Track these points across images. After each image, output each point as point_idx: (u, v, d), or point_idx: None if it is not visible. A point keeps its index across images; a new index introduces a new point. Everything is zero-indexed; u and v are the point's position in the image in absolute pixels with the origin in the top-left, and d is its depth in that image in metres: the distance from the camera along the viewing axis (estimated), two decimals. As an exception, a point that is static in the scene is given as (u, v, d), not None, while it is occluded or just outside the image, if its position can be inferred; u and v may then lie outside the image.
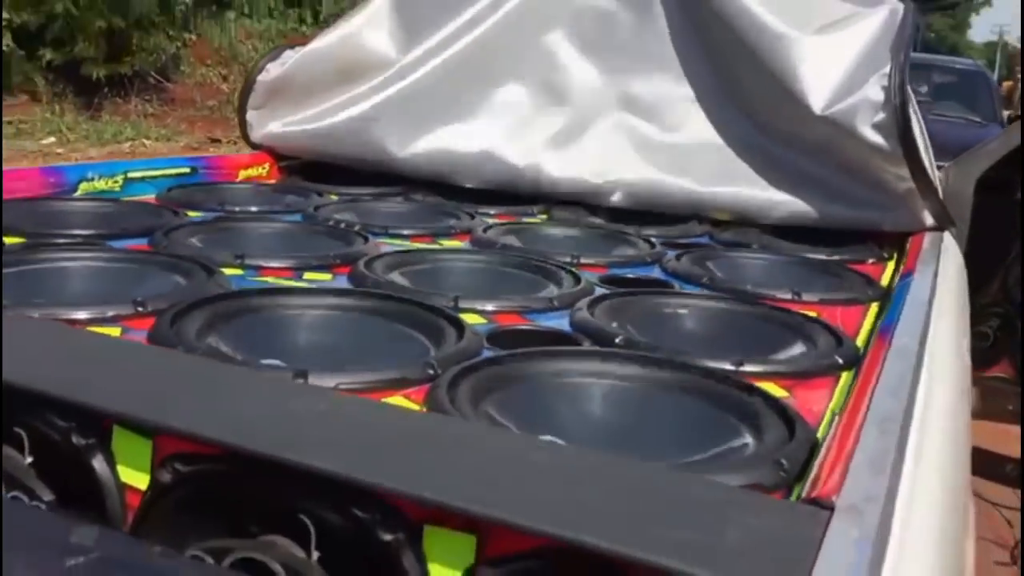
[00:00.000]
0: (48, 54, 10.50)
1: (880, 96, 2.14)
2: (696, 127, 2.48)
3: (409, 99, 2.57)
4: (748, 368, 1.19)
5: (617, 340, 1.27)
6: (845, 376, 1.25)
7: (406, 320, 1.29)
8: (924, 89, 8.83)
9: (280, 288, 1.38)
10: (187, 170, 2.31)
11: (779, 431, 0.99)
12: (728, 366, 1.18)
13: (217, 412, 0.82)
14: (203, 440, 0.77)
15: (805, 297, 1.64)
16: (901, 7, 2.33)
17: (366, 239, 1.80)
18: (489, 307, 1.40)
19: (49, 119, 9.95)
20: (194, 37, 12.75)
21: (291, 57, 2.62)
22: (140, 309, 1.22)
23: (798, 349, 1.35)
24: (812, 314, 1.50)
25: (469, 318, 1.34)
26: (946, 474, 0.96)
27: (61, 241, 1.54)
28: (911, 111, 2.17)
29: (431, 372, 1.09)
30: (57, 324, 1.10)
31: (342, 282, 1.51)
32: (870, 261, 2.09)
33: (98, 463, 0.84)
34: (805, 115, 2.24)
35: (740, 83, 2.45)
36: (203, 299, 1.24)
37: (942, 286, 1.70)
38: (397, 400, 1.02)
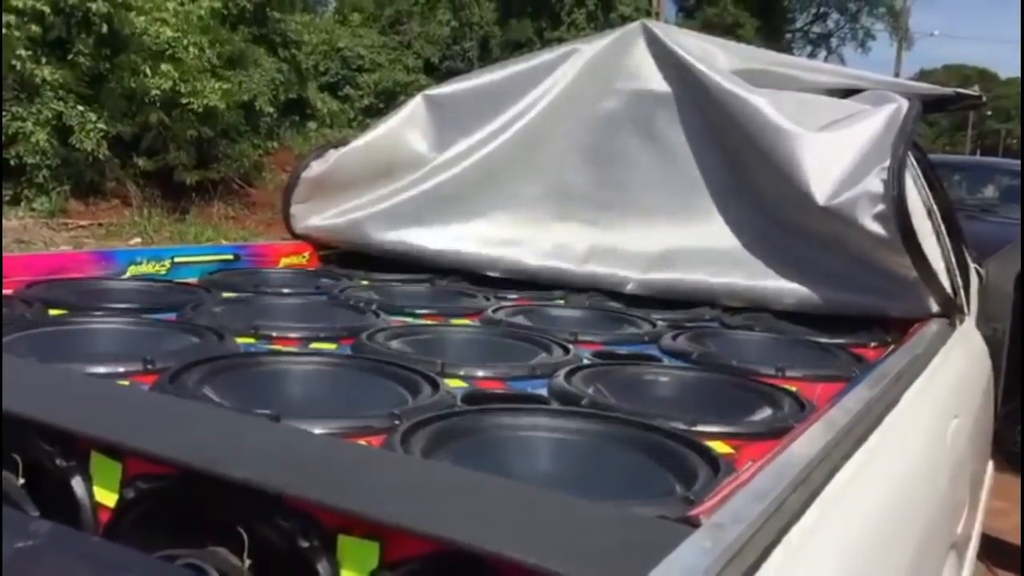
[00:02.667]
0: (141, 162, 11.26)
1: (879, 188, 2.21)
2: (711, 221, 2.59)
3: (439, 196, 2.75)
4: (701, 428, 1.26)
5: (583, 402, 1.35)
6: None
7: (390, 379, 1.41)
8: (991, 192, 8.76)
9: (279, 351, 1.51)
10: (231, 257, 2.51)
11: (705, 477, 1.06)
12: (681, 425, 1.26)
13: (175, 437, 0.94)
14: (156, 459, 0.89)
15: (788, 373, 1.70)
16: (906, 104, 2.43)
17: (377, 315, 1.93)
18: (473, 372, 1.51)
19: (137, 221, 10.59)
20: (277, 145, 13.53)
21: (334, 155, 2.84)
22: (149, 367, 1.37)
23: (760, 415, 1.42)
24: (792, 388, 1.56)
25: (452, 382, 1.44)
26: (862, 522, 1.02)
27: (97, 312, 1.72)
28: (923, 202, 2.25)
29: (396, 422, 1.19)
30: (64, 370, 1.24)
31: (345, 351, 1.63)
32: (872, 345, 2.13)
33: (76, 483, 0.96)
34: (811, 207, 2.33)
35: (753, 179, 2.56)
36: (205, 359, 1.38)
37: (937, 369, 1.73)
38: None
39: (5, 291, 1.85)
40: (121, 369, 1.35)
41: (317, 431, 1.13)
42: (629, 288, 2.55)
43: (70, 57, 10.52)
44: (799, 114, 2.44)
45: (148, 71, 11.06)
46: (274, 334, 1.68)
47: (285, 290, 2.24)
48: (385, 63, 18.32)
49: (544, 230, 2.65)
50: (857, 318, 2.33)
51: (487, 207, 2.71)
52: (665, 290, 2.53)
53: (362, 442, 1.14)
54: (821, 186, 2.30)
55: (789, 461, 0.97)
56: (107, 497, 0.96)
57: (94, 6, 10.29)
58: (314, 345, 1.67)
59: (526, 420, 1.22)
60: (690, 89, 2.61)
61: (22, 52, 9.94)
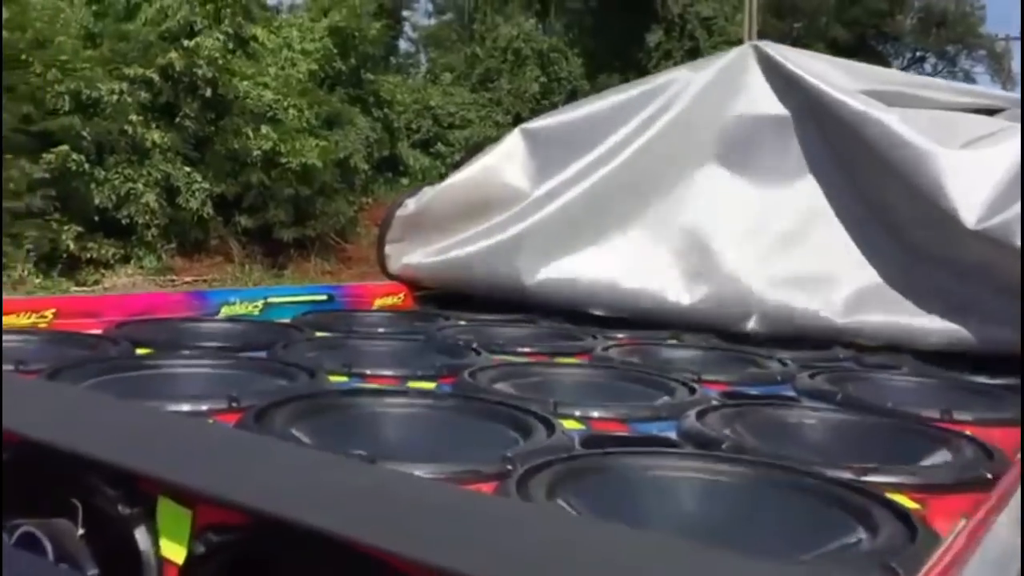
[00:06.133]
0: (243, 220, 11.56)
1: (1037, 209, 1.96)
2: (838, 251, 2.35)
3: (541, 231, 2.60)
4: (875, 478, 1.05)
5: (724, 446, 1.15)
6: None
7: (498, 420, 1.24)
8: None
9: (374, 389, 1.36)
10: (324, 297, 2.41)
11: (897, 538, 0.85)
12: (848, 474, 1.05)
13: (254, 480, 0.79)
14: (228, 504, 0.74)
15: (957, 416, 1.46)
16: (1053, 123, 2.17)
17: (479, 353, 1.78)
18: (589, 413, 1.33)
19: (239, 277, 10.84)
20: (371, 201, 13.73)
21: (429, 193, 2.73)
22: (234, 404, 1.23)
23: (940, 463, 1.19)
24: (967, 433, 1.33)
25: (567, 423, 1.27)
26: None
27: (184, 352, 1.61)
28: None
29: (508, 467, 1.02)
30: (132, 405, 1.12)
31: (446, 391, 1.48)
32: (1041, 385, 1.85)
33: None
34: (957, 232, 2.08)
35: (885, 204, 2.32)
36: (294, 396, 1.24)
37: None
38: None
39: (95, 331, 1.77)
40: (204, 408, 1.22)
41: (418, 474, 0.97)
42: (750, 326, 2.32)
43: (177, 120, 10.95)
44: (937, 132, 2.21)
45: (250, 133, 11.42)
46: (368, 372, 1.54)
47: (380, 330, 2.11)
48: (475, 119, 18.55)
49: (655, 263, 2.46)
50: (1010, 356, 2.05)
51: (591, 240, 2.54)
52: (789, 327, 2.29)
53: (471, 488, 0.97)
54: (969, 208, 2.06)
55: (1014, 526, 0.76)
56: (174, 551, 0.81)
57: (200, 71, 10.71)
58: (412, 384, 1.52)
59: (661, 464, 1.02)
60: (811, 110, 2.41)
61: (133, 117, 10.39)
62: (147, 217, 10.40)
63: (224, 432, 1.03)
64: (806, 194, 2.40)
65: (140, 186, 10.36)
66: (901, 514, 0.88)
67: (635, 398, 1.50)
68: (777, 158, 2.45)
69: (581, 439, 1.19)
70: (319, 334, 2.00)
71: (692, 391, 1.51)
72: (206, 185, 10.92)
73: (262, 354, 1.68)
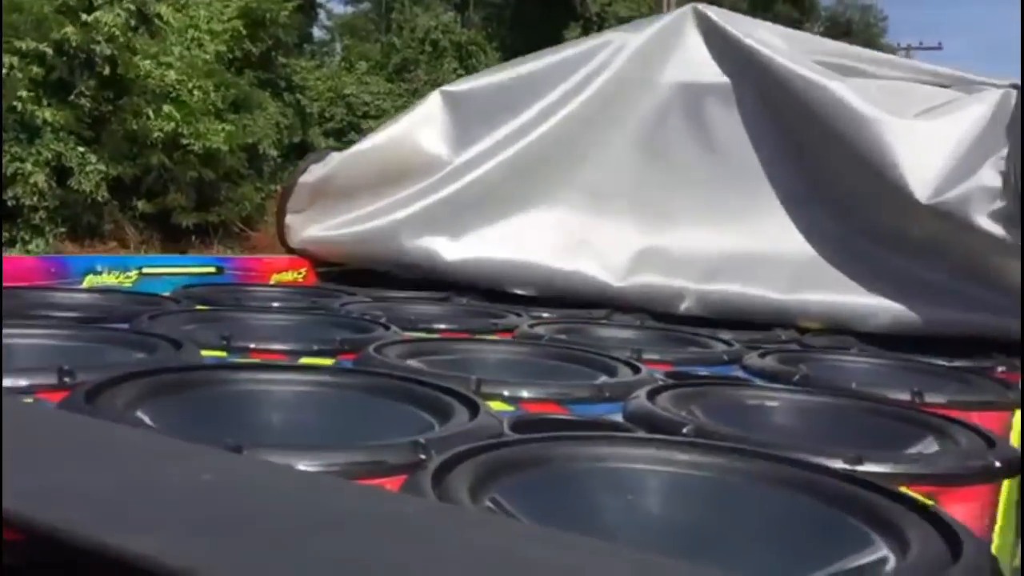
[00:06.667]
0: (141, 204, 10.95)
1: (997, 181, 1.82)
2: (778, 229, 2.19)
3: (460, 202, 2.36)
4: (869, 467, 0.85)
5: (685, 430, 0.94)
6: (1008, 484, 0.89)
7: (408, 401, 1.00)
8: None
9: (253, 364, 1.10)
10: (212, 269, 2.11)
11: (932, 548, 0.64)
12: (840, 463, 0.85)
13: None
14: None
15: (928, 398, 1.29)
16: (1014, 93, 2.04)
17: (387, 328, 1.53)
18: (518, 393, 1.10)
19: (135, 265, 10.26)
20: (280, 188, 13.23)
21: (336, 158, 2.46)
22: (66, 380, 0.96)
23: (939, 450, 1.00)
24: (954, 417, 1.15)
25: (494, 405, 1.04)
26: None
27: (19, 320, 1.31)
28: None
29: (421, 456, 0.78)
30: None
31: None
32: (1000, 370, 1.71)
33: None
34: (907, 207, 1.94)
35: (830, 177, 2.17)
36: (144, 371, 0.98)
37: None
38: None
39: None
40: (24, 383, 0.94)
41: (302, 468, 0.73)
42: (685, 306, 2.14)
43: (71, 98, 10.30)
44: (887, 101, 2.06)
45: (151, 113, 10.84)
46: (252, 346, 1.27)
47: (273, 304, 1.84)
48: (391, 110, 18.13)
49: (582, 238, 2.25)
50: (960, 339, 1.92)
51: (515, 213, 2.31)
52: (725, 307, 2.12)
53: (374, 484, 0.73)
54: (921, 181, 1.91)
55: None
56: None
57: (98, 48, 10.09)
58: (304, 360, 1.27)
59: (616, 452, 0.80)
60: (752, 77, 2.23)
61: (23, 93, 9.71)
62: (35, 199, 9.74)
63: (34, 413, 0.76)
64: (746, 166, 2.23)
65: (28, 166, 9.69)
66: (931, 517, 0.68)
67: (572, 377, 1.28)
68: (715, 127, 2.27)
69: (511, 422, 0.96)
70: (200, 308, 1.72)
71: (636, 370, 1.30)
72: (101, 167, 10.29)
73: (123, 327, 1.40)
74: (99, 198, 10.16)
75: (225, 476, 0.54)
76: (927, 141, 1.96)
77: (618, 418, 1.05)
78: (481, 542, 0.45)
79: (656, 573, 0.45)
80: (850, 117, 2.04)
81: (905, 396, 1.28)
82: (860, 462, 0.85)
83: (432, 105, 2.43)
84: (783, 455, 0.83)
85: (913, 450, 1.00)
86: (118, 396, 0.89)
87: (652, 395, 1.10)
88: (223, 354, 1.24)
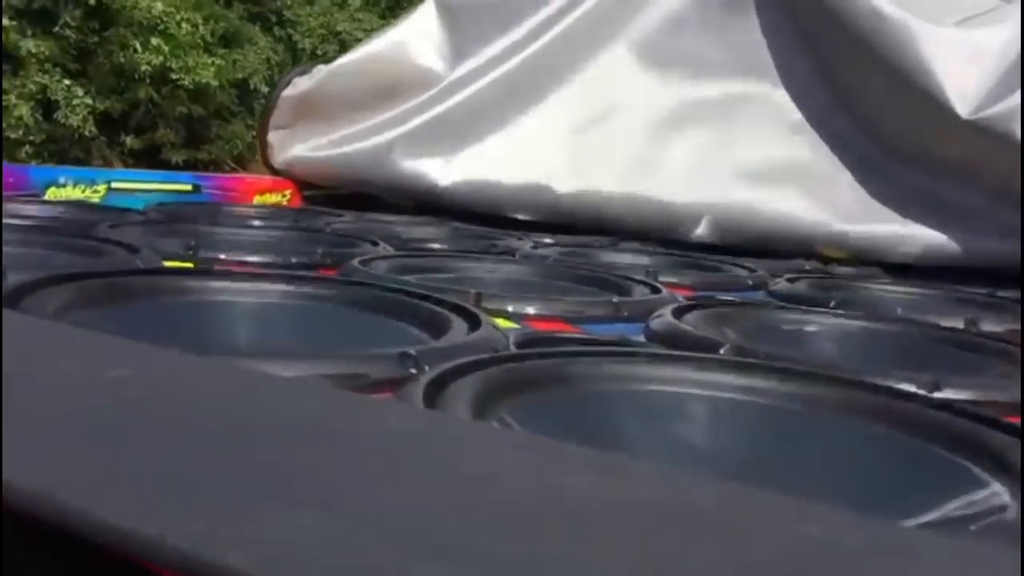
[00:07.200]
0: (129, 140, 10.70)
1: (1046, 96, 1.67)
2: (799, 146, 2.03)
3: (456, 121, 2.19)
4: (949, 394, 0.71)
5: (722, 350, 0.80)
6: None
7: (395, 314, 0.85)
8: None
9: (211, 271, 0.95)
10: (188, 187, 1.95)
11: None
12: (914, 387, 0.70)
13: None
14: None
15: (984, 327, 1.15)
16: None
17: (376, 244, 1.38)
18: (523, 309, 0.95)
19: (124, 202, 10.06)
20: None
21: (323, 71, 2.28)
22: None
23: (1006, 377, 0.86)
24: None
25: (497, 322, 0.89)
26: None
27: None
28: None
29: (411, 369, 0.64)
30: None
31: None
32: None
33: None
34: (943, 123, 1.78)
35: (856, 92, 2.00)
36: (81, 273, 0.82)
37: None
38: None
39: None
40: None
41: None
42: (698, 232, 1.98)
43: (56, 29, 9.98)
44: (923, 7, 1.89)
45: (138, 46, 10.53)
46: (222, 256, 1.12)
47: (254, 223, 1.68)
48: (387, 47, 17.79)
49: (589, 162, 2.09)
50: (996, 270, 1.78)
51: (515, 134, 2.14)
52: (743, 229, 1.97)
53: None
54: (960, 95, 1.75)
55: None
56: None
57: (81, -25, 9.75)
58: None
59: (650, 372, 0.66)
60: None
61: (5, 22, 9.40)
62: (20, 133, 9.48)
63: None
64: (764, 79, 2.06)
65: (13, 98, 9.42)
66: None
67: (583, 295, 1.13)
68: (721, 43, 2.09)
69: (517, 340, 0.82)
70: (172, 225, 1.56)
71: (656, 290, 1.15)
72: (88, 100, 10.01)
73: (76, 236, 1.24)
74: (87, 133, 9.91)
75: (140, 371, 0.40)
76: (965, 51, 1.79)
77: (640, 339, 0.91)
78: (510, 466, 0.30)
79: (749, 505, 0.31)
80: (880, 23, 1.87)
81: (957, 323, 1.14)
82: (938, 388, 0.71)
83: (426, 14, 2.24)
84: (848, 377, 0.68)
85: (986, 378, 0.86)
86: (49, 299, 0.74)
87: (679, 313, 0.95)
88: (191, 266, 1.09)
